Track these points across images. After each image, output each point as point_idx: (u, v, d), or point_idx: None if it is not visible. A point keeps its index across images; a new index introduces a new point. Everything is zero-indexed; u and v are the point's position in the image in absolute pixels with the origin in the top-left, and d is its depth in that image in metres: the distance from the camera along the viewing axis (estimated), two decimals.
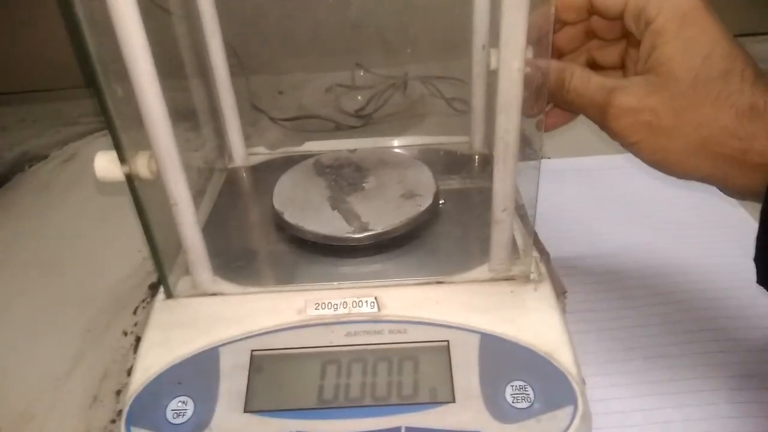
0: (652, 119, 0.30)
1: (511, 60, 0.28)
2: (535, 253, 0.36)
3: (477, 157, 0.46)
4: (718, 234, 0.46)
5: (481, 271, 0.35)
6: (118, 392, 0.38)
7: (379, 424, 0.29)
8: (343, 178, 0.41)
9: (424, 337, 0.32)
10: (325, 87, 0.72)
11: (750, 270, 0.43)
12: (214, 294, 0.35)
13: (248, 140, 0.52)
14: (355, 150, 0.44)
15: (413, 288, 0.34)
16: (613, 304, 0.41)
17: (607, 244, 0.46)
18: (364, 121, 0.65)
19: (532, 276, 0.34)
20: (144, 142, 0.30)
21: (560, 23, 0.35)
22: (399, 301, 0.33)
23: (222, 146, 0.48)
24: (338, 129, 0.65)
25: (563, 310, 0.34)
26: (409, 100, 0.68)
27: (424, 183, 0.40)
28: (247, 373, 0.31)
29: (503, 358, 0.31)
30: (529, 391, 0.29)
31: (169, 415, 0.30)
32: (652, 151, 0.31)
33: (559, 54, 0.37)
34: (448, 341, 0.32)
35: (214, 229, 0.39)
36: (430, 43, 0.67)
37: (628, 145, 0.32)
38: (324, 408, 0.30)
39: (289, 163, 0.44)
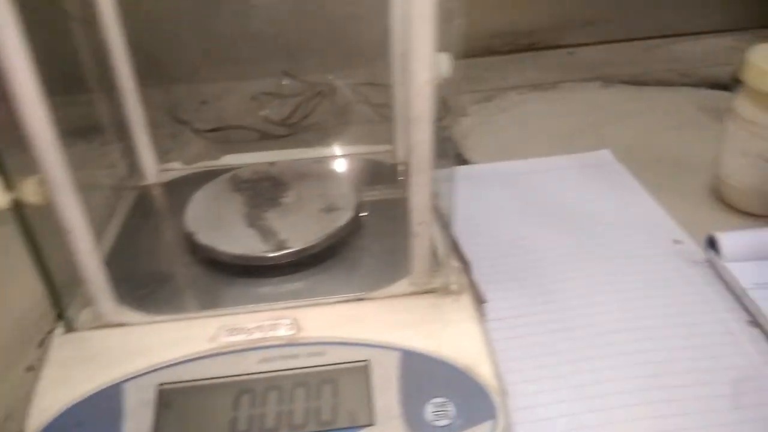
0: None
1: (419, 73, 0.28)
2: (457, 263, 0.35)
3: (400, 166, 0.45)
4: (640, 234, 0.47)
5: (402, 285, 0.34)
6: None
7: None
8: (261, 193, 0.39)
9: (343, 358, 0.31)
10: (250, 96, 0.70)
11: (671, 268, 0.44)
12: (118, 325, 0.33)
13: (169, 154, 0.50)
14: (274, 163, 0.43)
15: (333, 307, 0.33)
16: (539, 308, 0.41)
17: (532, 248, 0.46)
18: (291, 130, 0.64)
19: (453, 287, 0.34)
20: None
21: None
22: (318, 322, 0.32)
23: (133, 163, 0.45)
24: (265, 139, 0.63)
25: (483, 320, 0.33)
26: (337, 107, 0.67)
27: (345, 195, 0.39)
28: (153, 409, 0.29)
29: (424, 375, 0.30)
30: (450, 407, 0.29)
31: None
32: None
33: None
34: (368, 361, 0.31)
35: (120, 253, 0.37)
36: (357, 49, 0.66)
37: None
38: None
39: (205, 178, 0.42)
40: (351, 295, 0.33)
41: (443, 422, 0.28)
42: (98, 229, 0.39)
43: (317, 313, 0.33)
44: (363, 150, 0.48)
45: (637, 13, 0.81)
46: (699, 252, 0.44)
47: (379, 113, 0.63)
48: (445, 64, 0.29)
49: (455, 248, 0.37)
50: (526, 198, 0.52)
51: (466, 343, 0.31)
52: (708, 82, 0.70)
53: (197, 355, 0.31)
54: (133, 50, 0.44)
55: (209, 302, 0.34)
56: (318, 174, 0.42)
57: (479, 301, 0.34)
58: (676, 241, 0.46)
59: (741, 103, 0.45)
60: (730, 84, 0.47)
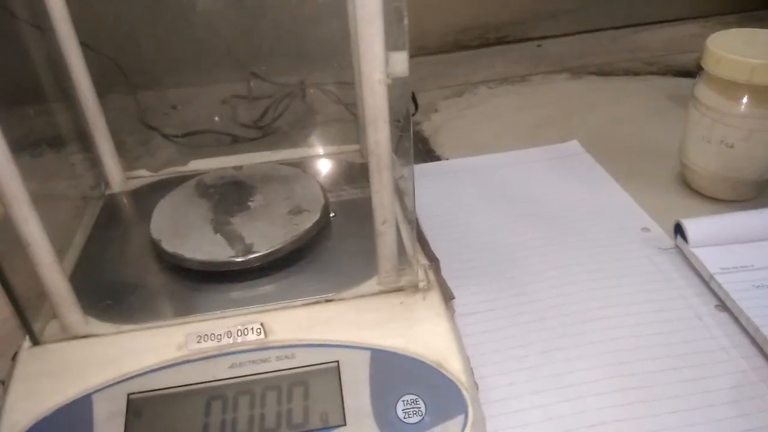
0: None
1: (371, 73, 0.28)
2: (425, 261, 0.35)
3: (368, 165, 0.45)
4: (609, 223, 0.47)
5: (371, 285, 0.34)
6: None
7: None
8: (228, 197, 0.39)
9: (314, 360, 0.31)
10: (220, 99, 0.70)
11: (640, 256, 0.44)
12: (85, 336, 0.32)
13: (138, 161, 0.49)
14: (241, 167, 0.43)
15: (302, 309, 0.33)
16: (510, 301, 0.41)
17: (503, 241, 0.46)
18: (263, 133, 0.63)
19: (421, 285, 0.34)
20: None
21: None
22: (287, 325, 0.32)
23: (99, 172, 0.45)
24: (236, 142, 0.62)
25: (452, 316, 0.33)
26: (308, 107, 0.67)
27: (313, 197, 0.39)
28: (123, 419, 0.29)
29: (394, 373, 0.30)
30: (421, 404, 0.29)
31: None
32: None
33: None
34: (338, 361, 0.31)
35: (86, 264, 0.37)
36: (325, 49, 0.66)
37: None
38: None
39: (172, 185, 0.41)
40: (320, 297, 0.33)
41: (414, 419, 0.28)
42: (63, 240, 0.39)
43: (286, 317, 0.32)
44: (332, 150, 0.48)
45: (603, 3, 0.81)
46: (667, 239, 0.45)
47: (351, 112, 0.63)
48: (400, 62, 0.29)
49: (423, 246, 0.37)
50: (496, 192, 0.52)
51: (435, 339, 0.31)
52: (674, 70, 0.71)
53: (166, 364, 0.31)
54: (96, 57, 0.43)
55: (177, 310, 0.34)
56: (285, 176, 0.41)
57: (447, 297, 0.34)
58: (645, 229, 0.46)
59: (702, 90, 0.46)
60: (696, 71, 0.48)
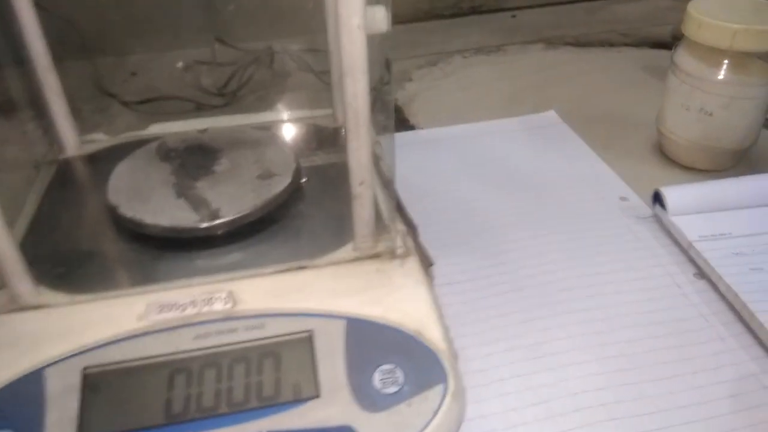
0: None
1: (349, 17, 0.26)
2: (402, 227, 0.34)
3: (342, 129, 0.43)
4: (588, 193, 0.47)
5: (346, 251, 0.32)
6: None
7: None
8: (192, 161, 0.37)
9: (285, 330, 0.29)
10: (183, 65, 0.66)
11: (619, 225, 0.44)
12: (37, 307, 0.30)
13: (97, 129, 0.46)
14: (206, 130, 0.40)
15: (272, 277, 0.31)
16: (489, 270, 0.40)
17: (481, 211, 0.45)
18: (227, 100, 0.61)
19: (398, 251, 0.32)
20: None
21: None
22: (256, 294, 0.30)
23: (52, 136, 0.41)
24: (200, 109, 0.59)
25: (431, 283, 0.32)
26: (276, 74, 0.64)
27: (283, 161, 0.37)
28: (79, 395, 0.27)
29: (371, 342, 0.29)
30: (399, 374, 0.27)
31: None
32: None
33: None
34: (311, 331, 0.29)
35: (38, 230, 0.34)
36: (294, 14, 0.63)
37: None
38: (173, 423, 0.26)
39: (130, 149, 0.39)
40: (292, 264, 0.32)
41: (392, 389, 0.27)
42: (12, 206, 0.36)
43: (256, 285, 0.31)
44: (302, 115, 0.46)
45: None
46: (645, 207, 0.44)
47: (321, 80, 0.60)
48: (380, 15, 0.27)
49: (400, 211, 0.35)
50: (474, 161, 0.51)
51: (413, 307, 0.30)
52: (649, 42, 0.70)
53: (125, 335, 0.28)
54: (52, 20, 0.40)
55: (137, 279, 0.31)
56: (254, 140, 0.39)
57: (426, 264, 0.33)
58: (623, 198, 0.46)
59: (681, 57, 0.45)
60: (671, 43, 0.47)
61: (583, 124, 0.54)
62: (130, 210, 0.32)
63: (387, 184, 0.34)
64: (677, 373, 0.33)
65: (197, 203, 0.33)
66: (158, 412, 0.26)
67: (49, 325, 0.29)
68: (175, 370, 0.28)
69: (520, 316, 0.37)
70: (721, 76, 0.43)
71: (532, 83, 0.63)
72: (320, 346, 0.28)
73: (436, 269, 0.39)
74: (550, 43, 0.71)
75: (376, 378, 0.27)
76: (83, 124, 0.47)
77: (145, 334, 0.29)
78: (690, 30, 0.44)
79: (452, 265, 0.40)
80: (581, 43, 0.71)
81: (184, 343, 0.28)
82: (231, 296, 0.30)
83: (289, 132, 0.41)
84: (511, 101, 0.59)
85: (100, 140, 0.43)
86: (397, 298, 0.30)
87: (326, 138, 0.42)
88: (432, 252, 0.38)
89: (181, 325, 0.29)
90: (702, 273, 0.39)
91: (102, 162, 0.39)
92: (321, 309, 0.30)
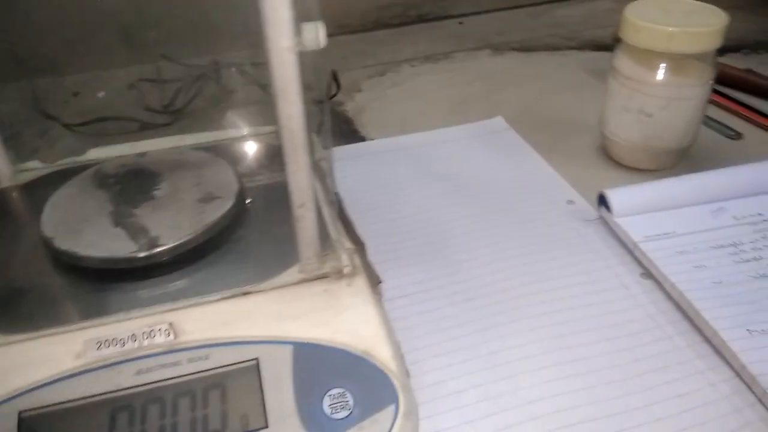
0: None
1: (277, 39, 0.25)
2: (349, 245, 0.33)
3: None
4: (536, 197, 0.47)
5: (291, 274, 0.32)
6: None
7: None
8: (130, 187, 0.36)
9: (230, 360, 0.28)
10: (127, 83, 0.65)
11: (567, 228, 0.44)
12: None
13: (35, 154, 0.44)
14: (144, 154, 0.39)
15: (216, 305, 0.30)
16: (443, 281, 0.40)
17: (433, 221, 0.45)
18: (173, 118, 0.59)
19: (345, 270, 0.32)
20: None
21: None
22: (199, 323, 0.29)
23: None
24: (146, 129, 0.58)
25: (379, 301, 0.32)
26: (223, 89, 0.63)
27: (226, 182, 0.36)
28: None
29: (319, 366, 0.28)
30: (348, 397, 0.27)
31: None
32: None
33: None
34: (257, 359, 0.28)
35: None
36: (238, 28, 0.62)
37: None
38: None
39: (67, 177, 0.37)
40: (236, 290, 0.31)
41: (342, 414, 0.27)
42: None
43: (198, 314, 0.30)
44: (246, 132, 0.45)
45: None
46: (591, 210, 0.45)
47: (268, 94, 0.60)
48: (313, 32, 0.26)
49: (347, 229, 0.35)
50: (424, 171, 0.51)
51: (361, 327, 0.29)
52: (591, 45, 0.72)
53: (63, 375, 0.27)
54: None
55: (75, 315, 0.30)
56: (194, 162, 0.38)
57: (375, 281, 0.32)
58: (570, 201, 0.46)
59: (620, 60, 0.46)
60: (612, 45, 0.48)
61: (530, 129, 0.55)
62: (64, 242, 0.31)
63: (331, 200, 0.34)
64: (629, 375, 0.33)
65: (135, 232, 0.32)
66: None
67: None
68: (116, 409, 0.27)
69: (476, 326, 0.37)
70: (658, 78, 0.44)
71: (480, 90, 0.63)
72: (267, 374, 0.28)
73: (389, 282, 0.39)
74: (497, 49, 0.72)
75: (326, 403, 0.27)
76: (23, 148, 0.46)
77: (83, 372, 0.27)
78: (627, 34, 0.45)
79: (405, 276, 0.40)
80: (527, 48, 0.72)
81: (125, 380, 0.27)
82: (172, 327, 0.29)
83: (232, 151, 0.41)
84: (459, 108, 0.60)
85: (36, 168, 0.41)
86: (345, 319, 0.30)
87: (272, 155, 0.41)
88: (384, 264, 0.38)
89: (121, 361, 0.28)
90: (648, 273, 0.39)
91: (37, 192, 0.38)
92: (267, 335, 0.29)
